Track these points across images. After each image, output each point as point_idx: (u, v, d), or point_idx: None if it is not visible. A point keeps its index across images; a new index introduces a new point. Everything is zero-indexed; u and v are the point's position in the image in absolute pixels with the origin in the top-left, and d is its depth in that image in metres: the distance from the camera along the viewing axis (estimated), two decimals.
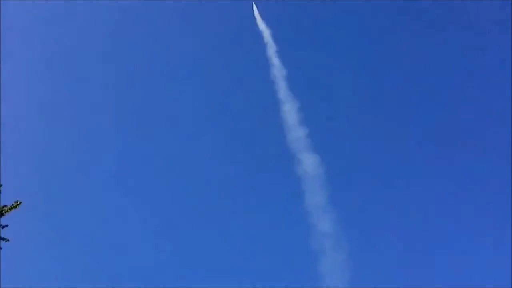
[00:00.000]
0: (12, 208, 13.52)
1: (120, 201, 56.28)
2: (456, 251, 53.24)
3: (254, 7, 54.07)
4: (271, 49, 53.45)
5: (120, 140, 59.02)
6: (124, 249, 53.90)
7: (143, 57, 60.53)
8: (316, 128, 53.60)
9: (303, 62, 59.52)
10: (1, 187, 13.42)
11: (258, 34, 53.95)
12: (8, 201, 13.58)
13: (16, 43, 58.02)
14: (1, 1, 57.08)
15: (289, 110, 51.16)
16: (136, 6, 58.83)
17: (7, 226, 13.87)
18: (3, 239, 13.73)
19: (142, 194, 56.92)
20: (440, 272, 52.22)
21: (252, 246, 54.51)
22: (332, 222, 46.18)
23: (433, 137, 56.67)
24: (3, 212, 13.22)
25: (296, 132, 50.20)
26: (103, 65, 59.39)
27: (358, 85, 59.24)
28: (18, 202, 13.67)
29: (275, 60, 52.81)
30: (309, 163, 48.78)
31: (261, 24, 53.86)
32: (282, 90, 51.88)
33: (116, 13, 60.38)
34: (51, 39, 59.97)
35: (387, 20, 60.86)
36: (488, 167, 54.11)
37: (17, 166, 56.11)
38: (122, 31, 60.68)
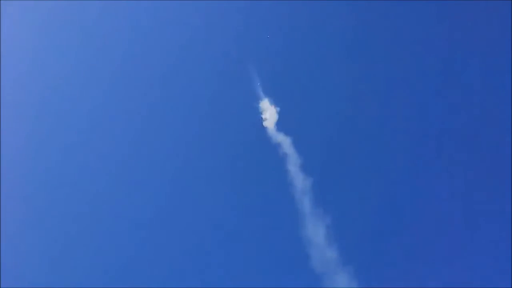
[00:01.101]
0: None
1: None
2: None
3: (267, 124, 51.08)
4: (292, 160, 50.44)
5: None
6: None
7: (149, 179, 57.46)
8: (345, 247, 51.10)
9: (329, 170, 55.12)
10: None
11: (275, 145, 51.04)
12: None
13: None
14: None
15: (315, 228, 48.22)
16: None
17: None
18: None
19: None
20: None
21: None
22: None
23: None
24: None
25: (324, 251, 47.24)
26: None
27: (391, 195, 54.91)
28: None
29: (297, 173, 49.86)
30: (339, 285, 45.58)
31: (276, 134, 50.93)
32: (307, 206, 48.96)
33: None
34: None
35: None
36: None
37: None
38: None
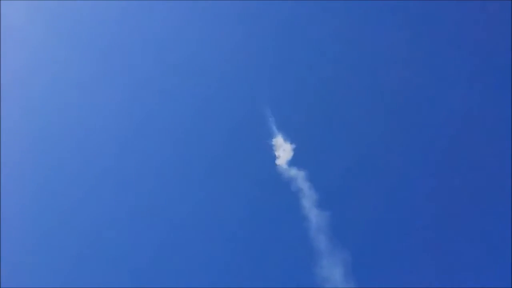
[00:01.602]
0: None
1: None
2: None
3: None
4: (306, 196, 50.17)
5: None
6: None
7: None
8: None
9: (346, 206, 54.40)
10: None
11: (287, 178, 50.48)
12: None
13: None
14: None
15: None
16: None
17: None
18: None
19: None
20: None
21: None
22: None
23: None
24: None
25: None
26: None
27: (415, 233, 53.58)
28: None
29: (312, 209, 48.99)
30: None
31: (290, 170, 50.01)
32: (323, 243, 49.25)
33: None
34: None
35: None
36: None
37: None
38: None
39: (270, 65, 59.14)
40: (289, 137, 53.06)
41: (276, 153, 52.94)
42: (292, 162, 52.38)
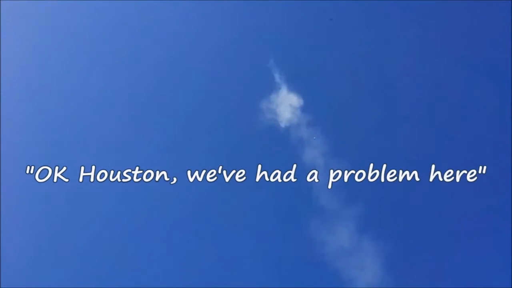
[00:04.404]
0: None
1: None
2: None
3: None
4: (314, 154, 46.04)
5: None
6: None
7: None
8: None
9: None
10: None
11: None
12: None
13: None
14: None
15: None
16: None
17: None
18: None
19: None
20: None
21: None
22: None
23: None
24: None
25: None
26: None
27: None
28: None
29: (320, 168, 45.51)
30: None
31: (294, 127, 46.96)
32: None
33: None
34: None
35: None
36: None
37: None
38: None
39: (274, 12, 55.90)
40: (294, 88, 49.74)
41: (280, 107, 49.51)
42: (298, 118, 49.07)
